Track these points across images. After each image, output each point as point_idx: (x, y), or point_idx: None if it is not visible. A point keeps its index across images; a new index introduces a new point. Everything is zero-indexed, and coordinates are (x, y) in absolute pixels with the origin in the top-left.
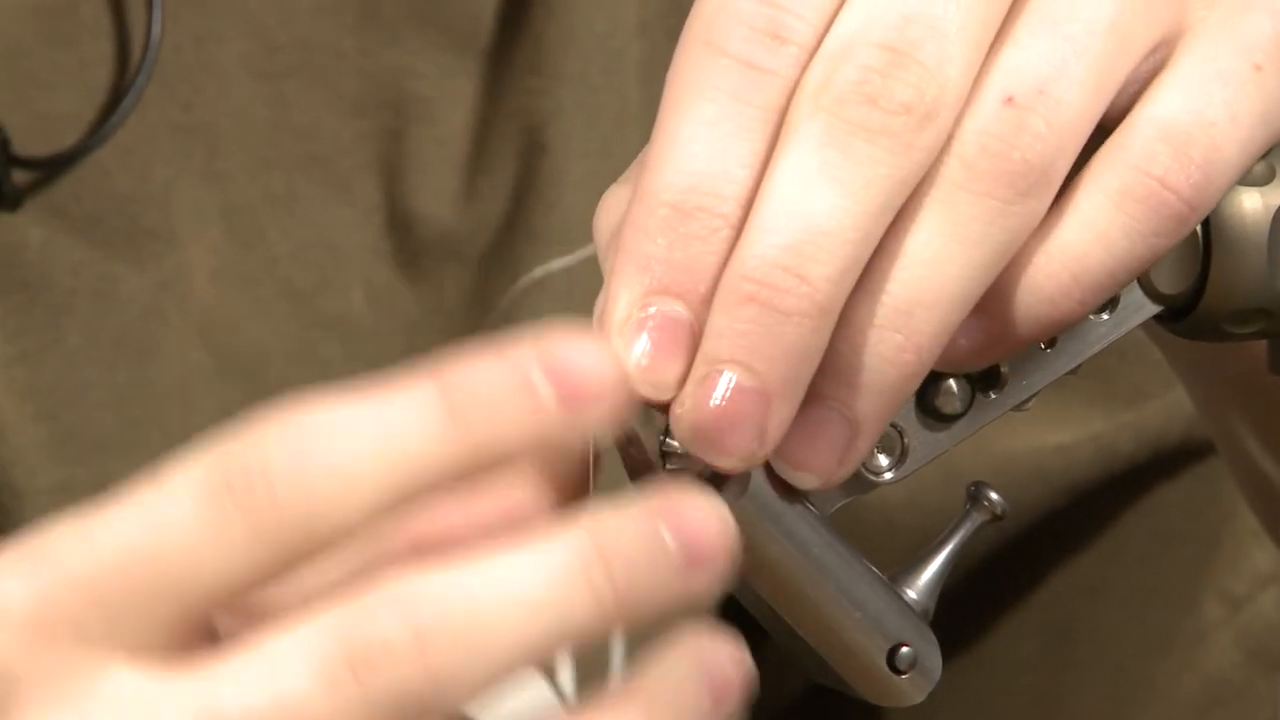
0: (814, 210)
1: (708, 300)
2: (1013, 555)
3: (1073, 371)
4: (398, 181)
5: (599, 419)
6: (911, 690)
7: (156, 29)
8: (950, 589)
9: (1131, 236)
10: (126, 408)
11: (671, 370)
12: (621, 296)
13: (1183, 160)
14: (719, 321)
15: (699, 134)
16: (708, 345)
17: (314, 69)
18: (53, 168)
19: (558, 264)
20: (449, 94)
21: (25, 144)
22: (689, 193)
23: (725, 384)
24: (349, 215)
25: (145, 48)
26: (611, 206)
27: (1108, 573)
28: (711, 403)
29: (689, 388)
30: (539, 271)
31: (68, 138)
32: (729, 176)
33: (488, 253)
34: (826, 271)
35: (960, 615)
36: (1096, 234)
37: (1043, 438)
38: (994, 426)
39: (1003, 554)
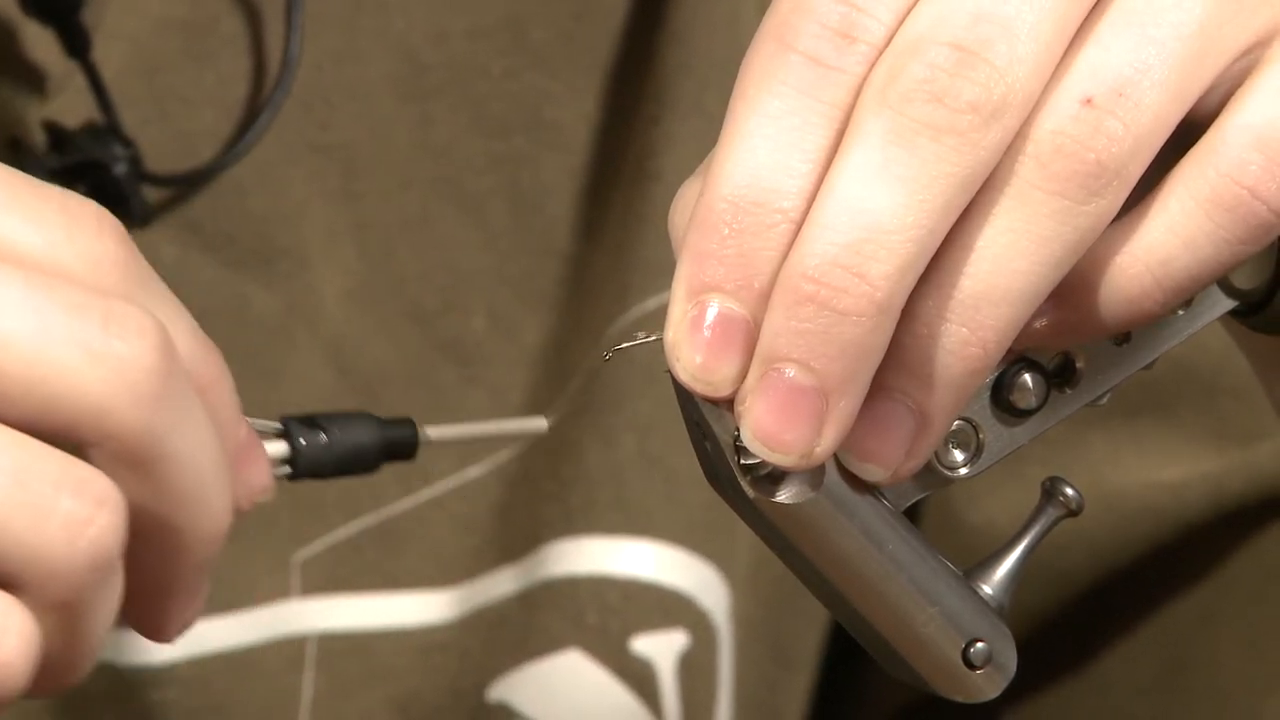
0: (876, 208)
1: (765, 296)
2: (1123, 586)
3: (1148, 367)
4: (526, 207)
5: None
6: (986, 685)
7: (295, 47)
8: (1058, 614)
9: (1218, 244)
10: None
11: (726, 368)
12: (679, 293)
13: (1274, 170)
14: (777, 319)
15: (763, 128)
16: (765, 343)
17: (461, 90)
18: (185, 185)
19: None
20: (579, 118)
21: (161, 160)
22: (749, 188)
23: (783, 382)
24: (478, 238)
25: (283, 65)
26: (686, 201)
27: (1218, 605)
28: (769, 401)
29: (748, 384)
30: (651, 302)
31: (204, 154)
32: (791, 171)
33: (603, 282)
34: (886, 270)
35: (1071, 640)
36: (1183, 239)
37: (1155, 474)
38: (1106, 461)
39: (1113, 584)
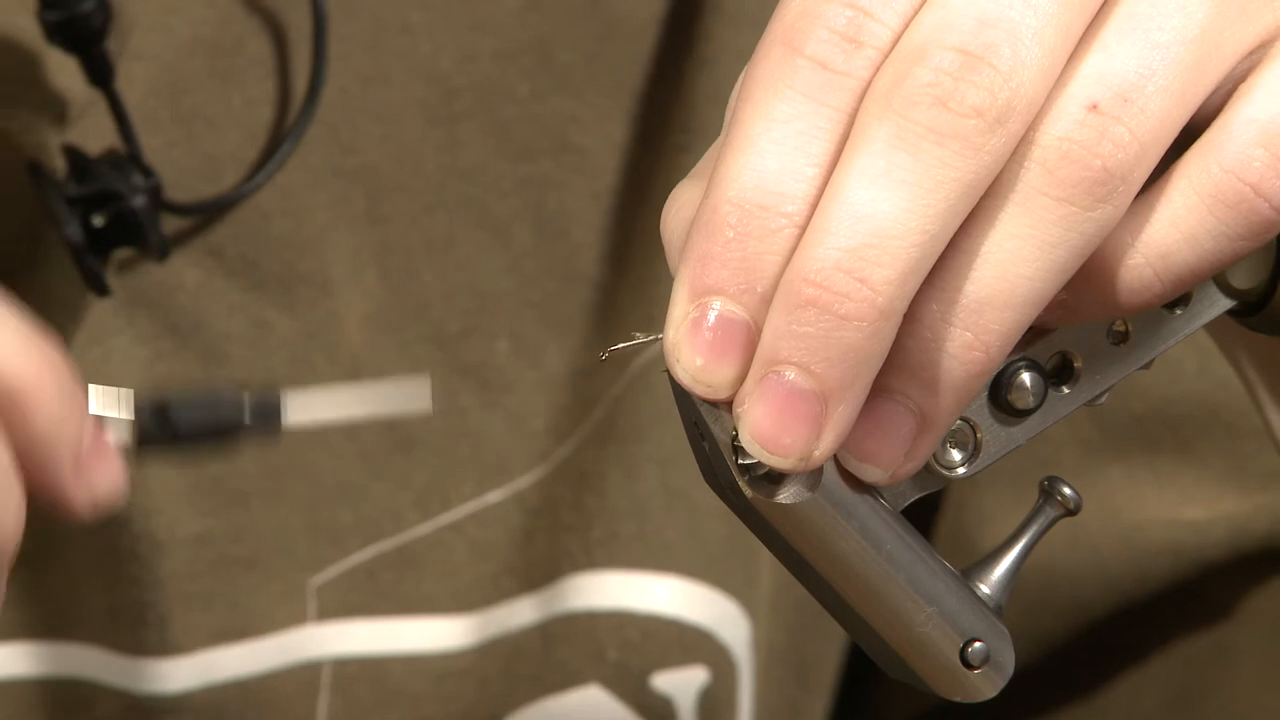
0: (879, 213)
1: (767, 300)
2: (1139, 618)
3: (1146, 366)
4: (551, 231)
5: None
6: (984, 685)
7: (322, 71)
8: (1073, 643)
9: (1218, 239)
10: (269, 456)
11: (726, 371)
12: (681, 295)
13: (1278, 166)
14: (778, 322)
15: (770, 133)
16: (766, 345)
17: (488, 113)
18: (207, 212)
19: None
20: (605, 143)
21: (185, 182)
22: (755, 191)
23: (782, 385)
24: (501, 261)
25: (310, 89)
26: (681, 204)
27: (1235, 639)
28: (768, 403)
29: (747, 387)
30: None
31: (228, 177)
32: (797, 175)
33: (627, 309)
34: (888, 275)
35: (1084, 669)
36: (1184, 234)
37: (1175, 512)
38: (1126, 497)
39: (1130, 616)
